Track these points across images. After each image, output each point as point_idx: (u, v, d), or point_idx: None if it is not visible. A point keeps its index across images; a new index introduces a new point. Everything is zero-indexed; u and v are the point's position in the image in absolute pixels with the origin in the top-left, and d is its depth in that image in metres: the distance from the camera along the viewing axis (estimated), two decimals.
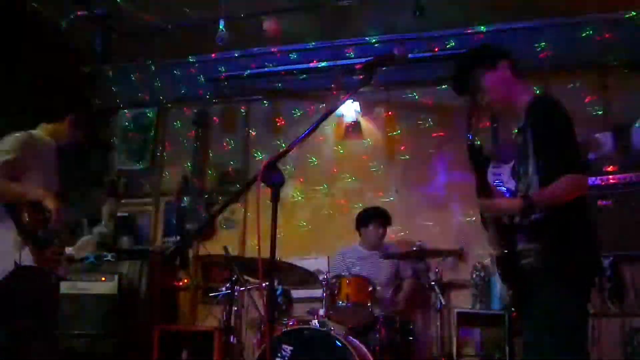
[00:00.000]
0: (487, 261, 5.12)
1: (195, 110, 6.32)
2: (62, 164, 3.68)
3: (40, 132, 3.56)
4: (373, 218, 5.05)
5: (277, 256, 2.03)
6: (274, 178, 1.96)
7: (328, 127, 5.88)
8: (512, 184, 2.80)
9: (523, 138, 2.61)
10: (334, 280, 4.25)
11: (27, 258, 3.22)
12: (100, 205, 5.96)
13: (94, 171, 6.42)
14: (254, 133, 6.23)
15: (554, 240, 2.47)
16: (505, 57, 2.75)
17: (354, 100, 5.73)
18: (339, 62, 5.73)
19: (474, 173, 2.65)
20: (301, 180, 5.93)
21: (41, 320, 3.34)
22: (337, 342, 3.77)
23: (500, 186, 2.97)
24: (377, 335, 4.25)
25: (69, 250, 4.94)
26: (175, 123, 6.50)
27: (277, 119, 6.15)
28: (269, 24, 4.88)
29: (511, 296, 2.67)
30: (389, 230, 5.16)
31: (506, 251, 2.61)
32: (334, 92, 5.74)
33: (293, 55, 6.03)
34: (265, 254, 1.99)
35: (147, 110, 6.53)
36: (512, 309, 2.69)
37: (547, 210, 2.48)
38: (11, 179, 3.26)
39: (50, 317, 3.46)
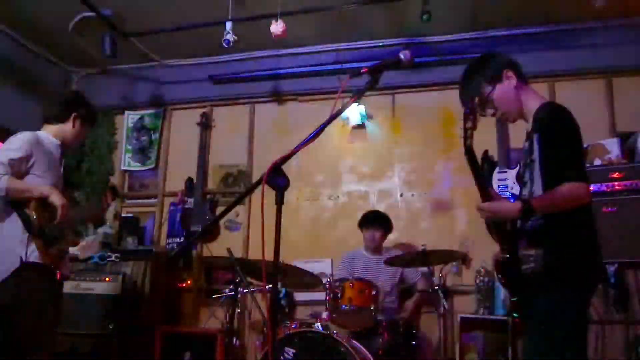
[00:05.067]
0: (490, 266, 5.11)
1: (200, 112, 6.32)
2: (66, 164, 3.73)
3: (45, 132, 3.61)
4: (370, 222, 5.04)
5: (281, 259, 2.03)
6: (279, 181, 1.96)
7: (333, 130, 5.88)
8: (517, 189, 2.80)
9: (529, 144, 2.61)
10: (337, 283, 4.24)
11: (33, 255, 3.25)
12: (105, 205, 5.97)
13: (97, 171, 6.45)
14: (258, 135, 6.23)
15: (556, 246, 2.46)
16: (508, 65, 2.75)
17: (359, 104, 5.73)
18: (345, 65, 5.73)
19: (474, 178, 2.65)
20: (305, 183, 5.93)
21: (46, 317, 3.35)
22: (340, 345, 3.77)
23: (505, 191, 2.97)
24: (380, 339, 4.25)
25: (73, 250, 4.98)
26: (180, 124, 6.50)
27: (282, 122, 6.15)
28: (275, 27, 4.88)
29: (511, 301, 2.65)
30: (392, 235, 5.16)
31: (508, 256, 2.60)
32: (340, 95, 5.73)
33: (299, 58, 6.05)
34: (269, 256, 1.99)
35: (152, 111, 6.54)
36: (515, 314, 2.67)
37: (547, 216, 2.47)
38: (18, 176, 3.31)
39: (54, 315, 3.47)
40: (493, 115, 2.74)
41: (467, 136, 2.56)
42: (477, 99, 2.72)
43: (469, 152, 2.59)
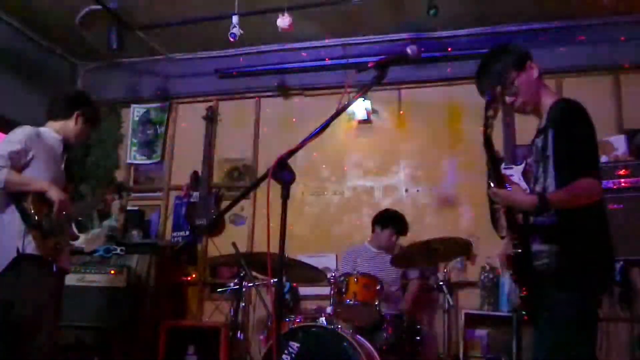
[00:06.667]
0: (495, 262, 5.10)
1: (206, 106, 6.32)
2: (70, 159, 3.76)
3: (48, 129, 3.64)
4: (391, 224, 4.99)
5: (286, 253, 2.02)
6: (284, 175, 1.95)
7: (339, 125, 5.87)
8: (523, 185, 2.77)
9: (543, 139, 2.60)
10: (341, 278, 4.24)
11: (29, 246, 3.27)
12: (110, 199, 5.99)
13: (102, 165, 6.46)
14: (264, 129, 6.23)
15: (570, 243, 2.45)
16: (530, 57, 2.75)
17: (365, 99, 5.72)
18: (351, 60, 5.73)
19: (489, 162, 2.61)
20: (311, 177, 5.92)
21: (44, 308, 3.36)
22: (344, 340, 3.76)
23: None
24: (384, 334, 4.25)
25: (78, 243, 4.99)
26: (186, 118, 6.50)
27: (287, 116, 6.14)
28: (282, 21, 4.87)
29: (521, 297, 2.64)
30: None
31: (520, 251, 2.58)
32: (346, 90, 5.72)
33: (305, 52, 6.03)
34: (274, 250, 1.99)
35: (158, 105, 6.54)
36: (523, 312, 2.65)
37: (562, 213, 2.46)
38: (17, 170, 3.34)
39: (51, 306, 3.48)
40: (511, 103, 2.71)
41: (488, 124, 2.53)
42: (498, 87, 2.68)
43: (488, 140, 2.56)
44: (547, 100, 2.67)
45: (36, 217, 3.30)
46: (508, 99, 2.70)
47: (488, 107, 2.54)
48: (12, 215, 3.29)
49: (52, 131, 3.64)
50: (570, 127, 2.51)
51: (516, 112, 2.82)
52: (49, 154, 3.53)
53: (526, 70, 2.70)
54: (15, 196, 3.30)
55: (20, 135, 3.41)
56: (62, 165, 3.67)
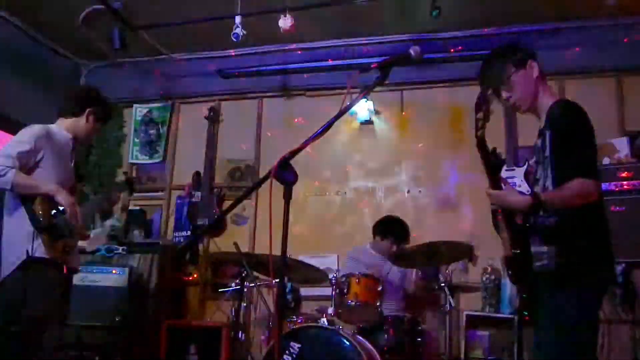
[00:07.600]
0: (497, 264, 5.09)
1: (208, 106, 6.32)
2: (78, 158, 3.75)
3: (58, 125, 3.63)
4: (391, 234, 4.96)
5: (287, 254, 2.02)
6: (286, 176, 1.95)
7: (341, 126, 5.87)
8: (525, 187, 2.78)
9: (542, 140, 2.60)
10: (343, 279, 4.24)
11: (38, 249, 3.25)
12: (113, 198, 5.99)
13: (104, 164, 6.47)
14: (266, 130, 6.23)
15: (570, 245, 2.46)
16: (533, 57, 2.76)
17: (367, 100, 5.72)
18: (354, 61, 5.72)
19: (483, 167, 2.61)
20: (313, 178, 5.92)
21: (52, 311, 3.36)
22: (345, 340, 3.76)
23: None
24: (386, 335, 4.25)
25: (81, 243, 4.98)
26: (188, 118, 6.51)
27: (290, 116, 6.15)
28: (284, 21, 4.87)
29: (521, 299, 2.64)
30: None
31: (517, 251, 2.58)
32: (348, 91, 5.71)
33: (307, 53, 6.03)
34: (276, 251, 1.99)
35: (160, 105, 6.55)
36: (524, 312, 2.65)
37: (561, 214, 2.46)
38: (27, 171, 3.32)
39: (60, 308, 3.48)
40: (507, 99, 2.72)
41: (479, 127, 2.53)
42: (490, 89, 2.68)
43: (481, 142, 2.56)
44: (547, 101, 2.68)
45: (44, 221, 3.28)
46: (504, 94, 2.71)
47: (478, 110, 2.54)
48: (22, 218, 3.26)
49: (62, 129, 3.62)
50: (568, 128, 2.51)
51: (513, 110, 2.83)
52: (59, 153, 3.51)
53: (526, 68, 2.71)
54: (25, 198, 3.29)
55: (29, 135, 3.39)
56: (72, 164, 3.66)
